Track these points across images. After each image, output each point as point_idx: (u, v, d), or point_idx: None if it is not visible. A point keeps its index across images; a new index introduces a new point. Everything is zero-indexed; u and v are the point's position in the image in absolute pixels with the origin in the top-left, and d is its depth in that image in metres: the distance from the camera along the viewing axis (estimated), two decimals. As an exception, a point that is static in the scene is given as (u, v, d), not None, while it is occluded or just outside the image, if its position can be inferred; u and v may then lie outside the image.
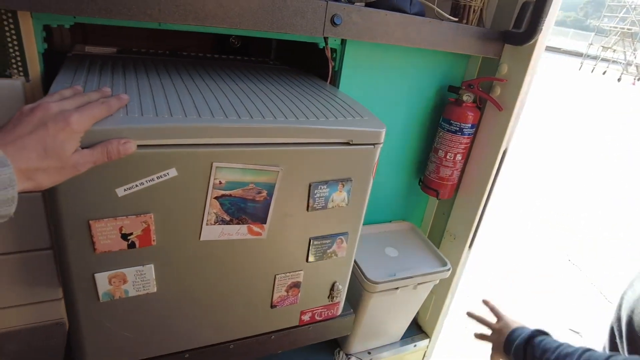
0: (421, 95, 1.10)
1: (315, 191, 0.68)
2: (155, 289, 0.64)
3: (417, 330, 1.42)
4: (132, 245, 0.59)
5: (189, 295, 0.68)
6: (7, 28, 0.66)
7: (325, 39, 0.88)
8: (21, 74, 0.69)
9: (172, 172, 0.56)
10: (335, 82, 0.96)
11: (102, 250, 0.57)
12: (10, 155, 0.43)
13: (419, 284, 1.11)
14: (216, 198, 0.61)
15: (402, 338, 1.34)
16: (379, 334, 1.26)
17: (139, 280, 0.62)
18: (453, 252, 1.24)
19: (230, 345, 0.78)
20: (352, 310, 0.90)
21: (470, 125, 1.06)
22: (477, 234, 1.22)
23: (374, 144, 0.69)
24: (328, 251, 0.76)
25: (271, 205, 0.66)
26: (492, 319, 0.94)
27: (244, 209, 0.64)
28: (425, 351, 1.42)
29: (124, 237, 0.58)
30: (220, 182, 0.60)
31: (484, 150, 1.13)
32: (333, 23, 0.84)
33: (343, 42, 0.92)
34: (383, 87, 1.03)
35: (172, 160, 0.56)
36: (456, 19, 0.98)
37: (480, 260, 1.30)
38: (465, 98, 1.05)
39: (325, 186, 0.68)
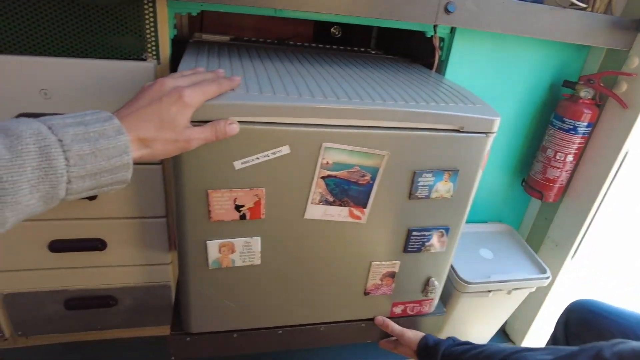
0: (532, 90, 1.02)
1: (419, 179, 0.66)
2: (259, 262, 0.67)
3: (504, 337, 1.33)
4: (243, 217, 0.62)
5: (288, 271, 0.70)
6: (147, 16, 0.73)
7: (435, 27, 0.85)
8: (154, 57, 0.77)
9: (285, 150, 0.58)
10: (440, 71, 0.93)
11: (216, 219, 0.61)
12: (128, 125, 0.46)
13: (514, 289, 1.04)
14: (322, 178, 0.62)
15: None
16: (463, 336, 1.19)
17: (246, 251, 0.65)
18: (553, 259, 1.14)
19: (321, 327, 0.79)
20: (444, 309, 0.86)
21: (586, 124, 0.96)
22: (582, 243, 1.11)
23: (486, 133, 0.65)
24: (426, 244, 0.74)
25: (373, 189, 0.65)
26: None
27: (347, 191, 0.64)
28: None
29: (237, 208, 0.61)
30: (328, 163, 0.61)
31: (601, 152, 1.01)
32: (446, 10, 0.81)
33: (452, 30, 0.89)
34: (491, 78, 0.97)
35: (285, 138, 0.58)
36: (584, 6, 0.89)
37: (584, 271, 1.18)
38: (583, 94, 0.95)
39: (430, 174, 0.66)
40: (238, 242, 0.64)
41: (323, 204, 0.65)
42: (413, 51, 1.03)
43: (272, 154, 0.58)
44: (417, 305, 0.82)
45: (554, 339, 0.93)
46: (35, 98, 0.73)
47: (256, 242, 0.65)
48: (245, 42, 0.95)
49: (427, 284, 0.79)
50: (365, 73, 0.77)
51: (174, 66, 0.79)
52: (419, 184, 0.66)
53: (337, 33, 1.31)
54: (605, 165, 1.00)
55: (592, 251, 1.15)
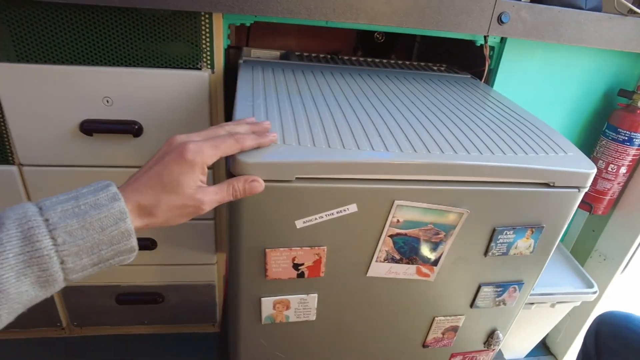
0: (583, 99, 0.96)
1: (499, 237, 0.58)
2: (314, 318, 0.62)
3: (545, 351, 1.27)
4: (301, 275, 0.56)
5: (343, 326, 0.65)
6: (203, 27, 0.73)
7: (485, 36, 0.80)
8: (209, 66, 0.78)
9: (353, 208, 0.52)
10: (489, 80, 0.89)
11: (272, 277, 0.56)
12: (128, 192, 0.41)
13: (557, 302, 0.99)
14: (390, 236, 0.55)
15: (526, 356, 1.21)
16: (503, 347, 1.14)
17: (301, 307, 0.60)
18: (601, 274, 1.09)
19: (373, 377, 0.74)
20: (504, 355, 0.79)
21: None
22: (634, 258, 1.05)
23: (578, 188, 0.57)
24: (497, 299, 0.66)
25: (446, 247, 0.58)
26: None
27: (417, 249, 0.57)
28: None
29: (295, 267, 0.56)
30: (398, 221, 0.54)
31: None
32: (500, 21, 0.78)
33: (503, 39, 0.84)
34: (541, 87, 0.91)
35: (353, 196, 0.51)
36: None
37: (634, 286, 1.11)
38: None
39: (512, 232, 0.58)
40: (294, 299, 0.59)
41: (388, 262, 0.58)
42: (460, 59, 0.99)
43: (338, 212, 0.52)
44: (477, 354, 0.76)
45: (584, 351, 0.87)
46: (98, 105, 0.77)
47: (313, 299, 0.60)
48: (295, 58, 0.87)
49: (490, 336, 0.73)
50: (429, 98, 0.69)
51: (227, 75, 0.80)
52: (498, 242, 0.59)
53: (380, 38, 1.22)
54: None
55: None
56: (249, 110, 0.56)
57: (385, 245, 0.56)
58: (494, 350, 0.75)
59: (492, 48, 0.86)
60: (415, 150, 0.52)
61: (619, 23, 0.82)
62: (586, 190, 0.58)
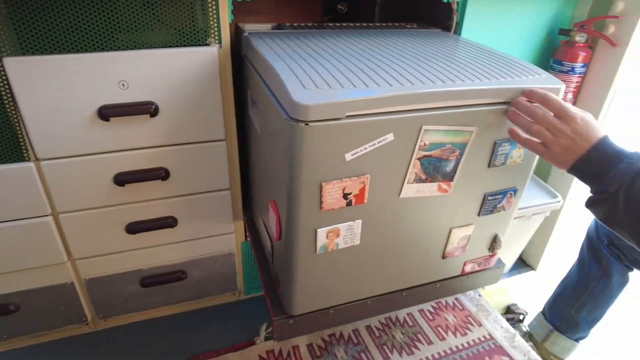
0: (532, 40, 1.13)
1: (499, 149, 0.72)
2: (358, 242, 0.72)
3: (522, 264, 1.51)
4: (349, 204, 0.66)
5: (381, 247, 0.76)
6: (210, 3, 0.78)
7: None
8: (217, 42, 0.82)
9: (390, 137, 0.62)
10: (457, 32, 1.02)
11: (326, 209, 0.65)
12: None
13: (533, 214, 1.18)
14: (419, 159, 0.67)
15: (509, 270, 1.41)
16: None
17: (349, 234, 0.70)
18: (561, 186, 1.29)
19: (403, 292, 0.86)
20: (504, 262, 0.95)
21: (582, 64, 1.10)
22: None
23: (554, 100, 0.71)
24: (498, 205, 0.80)
25: (460, 163, 0.70)
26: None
27: (438, 167, 0.69)
28: (531, 283, 1.48)
29: (345, 196, 0.65)
30: (425, 144, 0.65)
31: (595, 87, 1.15)
32: None
33: None
34: (499, 33, 1.07)
35: (390, 126, 0.61)
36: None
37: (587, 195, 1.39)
38: (578, 39, 1.08)
39: (507, 143, 0.72)
40: (343, 226, 0.69)
41: (417, 182, 0.69)
42: (425, 17, 1.14)
43: (379, 142, 0.62)
44: (484, 260, 0.90)
45: (588, 237, 1.11)
46: (114, 90, 0.80)
47: (358, 225, 0.70)
48: (291, 27, 0.95)
49: (494, 241, 0.87)
50: (418, 47, 0.81)
51: (233, 50, 0.86)
52: (498, 153, 0.72)
53: (343, 9, 1.32)
54: (599, 98, 1.14)
55: None
56: (284, 66, 0.64)
57: (414, 168, 0.67)
58: (496, 254, 0.90)
59: (457, 3, 0.99)
60: (433, 82, 0.63)
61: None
62: (559, 102, 0.72)
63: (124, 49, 0.78)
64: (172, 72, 0.82)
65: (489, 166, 0.74)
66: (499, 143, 0.71)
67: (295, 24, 0.99)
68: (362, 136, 0.61)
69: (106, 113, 0.80)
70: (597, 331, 1.18)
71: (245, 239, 1.11)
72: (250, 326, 1.13)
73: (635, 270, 1.06)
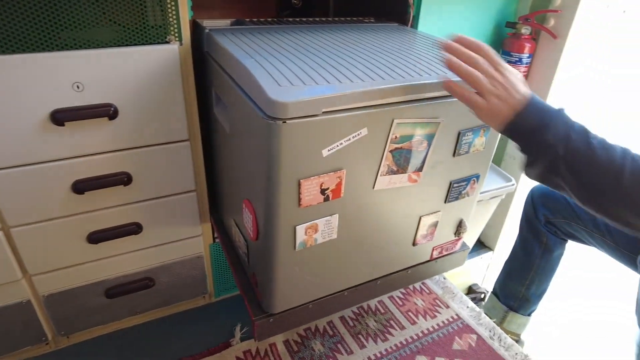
0: (482, 32, 1.20)
1: (463, 138, 0.75)
2: (336, 235, 0.73)
3: (481, 245, 1.60)
4: (326, 199, 0.67)
5: (357, 238, 0.77)
6: (169, 1, 0.75)
7: None
8: (177, 39, 0.80)
9: (364, 132, 0.64)
10: (414, 26, 1.06)
11: (305, 205, 0.65)
12: None
13: (491, 197, 1.27)
14: (390, 151, 0.69)
15: (470, 253, 1.50)
16: None
17: (326, 228, 0.71)
18: (513, 170, 1.39)
19: (378, 281, 0.88)
20: (468, 245, 1.00)
21: (527, 55, 1.19)
22: None
23: (510, 90, 0.76)
24: (462, 192, 0.85)
25: (428, 154, 0.73)
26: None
27: (408, 159, 0.72)
28: (489, 263, 1.58)
29: (322, 192, 0.66)
30: (396, 137, 0.67)
31: (540, 76, 1.24)
32: None
33: None
34: (451, 27, 1.12)
35: (363, 121, 0.63)
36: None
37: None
38: (523, 31, 1.16)
39: (470, 132, 0.76)
40: (321, 222, 0.69)
41: (389, 174, 0.71)
42: (379, 10, 1.16)
43: (354, 137, 0.63)
44: (451, 245, 0.95)
45: (525, 216, 1.21)
46: (68, 92, 0.75)
47: (335, 219, 0.71)
48: (251, 23, 0.94)
49: (459, 225, 0.92)
50: (383, 44, 0.83)
51: (193, 47, 0.83)
52: (462, 142, 0.76)
53: (297, 3, 1.32)
54: (544, 87, 1.23)
55: None
56: (255, 63, 0.63)
57: (386, 160, 0.69)
58: (461, 237, 0.95)
59: (413, -2, 1.03)
60: (402, 77, 0.65)
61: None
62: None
63: (76, 49, 0.73)
64: (131, 72, 0.78)
65: (454, 155, 0.77)
66: (463, 133, 0.75)
67: (255, 19, 0.98)
68: (338, 132, 0.62)
69: (60, 117, 0.75)
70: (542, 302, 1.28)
71: (214, 241, 1.09)
72: (224, 328, 1.11)
73: (569, 241, 1.17)
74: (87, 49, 0.74)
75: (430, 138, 0.71)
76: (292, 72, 0.62)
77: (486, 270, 1.54)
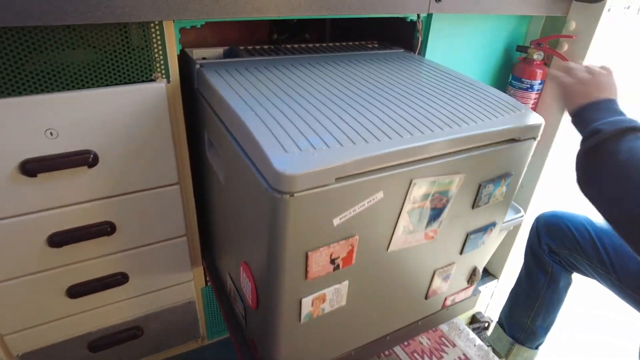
0: (490, 57, 1.13)
1: (484, 190, 0.69)
2: (344, 302, 0.66)
3: (485, 273, 1.53)
4: (336, 268, 0.60)
5: (366, 301, 0.70)
6: (154, 35, 0.67)
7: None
8: (164, 76, 0.72)
9: (379, 195, 0.56)
10: (422, 52, 0.99)
11: (312, 277, 0.58)
12: None
13: (500, 230, 1.18)
14: (407, 212, 0.61)
15: None
16: None
17: (335, 297, 0.64)
18: (521, 200, 1.32)
19: (387, 337, 0.81)
20: (479, 290, 0.94)
21: (539, 81, 1.11)
22: (540, 180, 1.28)
23: (534, 137, 0.69)
24: (479, 242, 0.78)
25: (446, 210, 0.66)
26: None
27: (426, 217, 0.65)
28: (494, 291, 1.52)
29: (332, 261, 0.58)
30: (414, 197, 0.60)
31: (552, 104, 1.16)
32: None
33: (429, 14, 0.94)
34: (460, 50, 1.05)
35: (380, 184, 0.55)
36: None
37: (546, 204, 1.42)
38: (536, 56, 1.08)
39: (491, 184, 0.69)
40: (329, 291, 0.62)
41: (404, 234, 0.64)
42: (381, 32, 1.10)
43: (368, 202, 0.56)
44: (463, 292, 0.88)
45: (529, 244, 1.17)
46: (40, 139, 0.66)
47: (344, 286, 0.63)
48: (245, 52, 0.85)
49: (473, 274, 0.85)
50: (393, 79, 0.75)
51: (183, 83, 0.75)
52: (482, 194, 0.69)
53: (293, 20, 1.24)
54: (557, 114, 1.15)
55: (550, 186, 1.33)
56: (256, 119, 0.55)
57: (402, 221, 0.62)
58: (474, 284, 0.89)
59: (421, 22, 0.95)
60: (422, 132, 0.57)
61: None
62: (539, 139, 0.70)
63: (47, 92, 0.64)
64: (112, 114, 0.69)
65: (473, 207, 0.70)
66: (484, 185, 0.68)
67: (249, 47, 0.89)
68: (351, 198, 0.54)
69: (31, 168, 0.66)
70: (552, 333, 1.23)
71: (206, 285, 1.01)
72: (218, 374, 1.04)
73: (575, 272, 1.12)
74: (60, 91, 0.65)
75: (449, 194, 0.64)
76: (297, 129, 0.54)
77: (490, 299, 1.48)
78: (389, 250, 0.64)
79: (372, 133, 0.55)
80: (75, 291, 0.81)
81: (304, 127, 0.55)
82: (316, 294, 0.61)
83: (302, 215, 0.51)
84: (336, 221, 0.55)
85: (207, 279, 0.99)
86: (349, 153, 0.51)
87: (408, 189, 0.58)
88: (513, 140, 0.67)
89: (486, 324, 1.39)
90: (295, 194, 0.48)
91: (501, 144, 0.65)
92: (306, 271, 0.57)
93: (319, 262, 0.57)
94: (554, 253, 1.10)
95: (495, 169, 0.68)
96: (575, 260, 1.06)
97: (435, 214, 0.65)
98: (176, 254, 0.90)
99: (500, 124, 0.64)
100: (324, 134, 0.54)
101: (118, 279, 0.85)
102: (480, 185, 0.68)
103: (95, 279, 0.83)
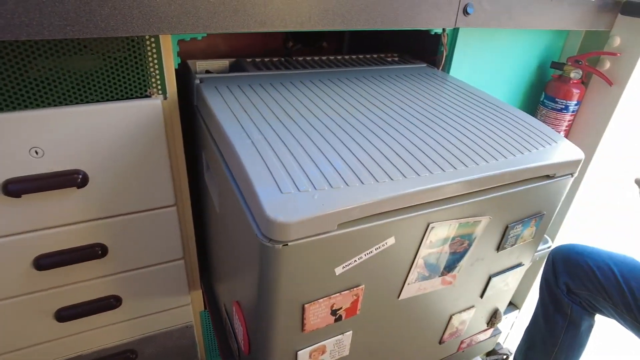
0: (521, 74, 1.03)
1: (511, 232, 0.60)
2: (347, 353, 0.59)
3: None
4: (338, 319, 0.52)
5: (372, 351, 0.63)
6: (149, 48, 0.62)
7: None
8: (160, 92, 0.66)
9: (390, 241, 0.49)
10: (445, 67, 0.91)
11: (310, 330, 0.51)
12: None
13: None
14: (422, 257, 0.54)
15: None
16: None
17: (337, 348, 0.57)
18: (550, 231, 1.20)
19: (395, 383, 0.74)
20: (500, 330, 0.85)
21: (575, 102, 1.00)
22: (571, 208, 1.18)
23: (572, 174, 0.61)
24: (502, 285, 0.70)
25: (467, 253, 0.58)
26: None
27: (444, 262, 0.57)
28: (514, 321, 1.42)
29: (333, 312, 0.51)
30: (431, 241, 0.52)
31: (588, 126, 1.05)
32: (465, 12, 0.79)
33: (456, 28, 0.85)
34: (488, 67, 0.96)
35: (391, 229, 0.48)
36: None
37: (573, 234, 1.31)
38: (573, 75, 0.97)
39: (520, 225, 0.61)
40: (330, 342, 0.55)
41: (418, 281, 0.57)
42: (402, 45, 1.03)
43: (377, 249, 0.48)
44: (481, 334, 0.80)
45: (545, 278, 1.05)
46: (24, 158, 0.61)
47: (347, 337, 0.56)
48: (251, 65, 0.79)
49: (494, 316, 0.77)
50: (408, 99, 0.67)
51: (182, 99, 0.69)
52: (509, 236, 0.61)
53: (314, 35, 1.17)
54: (592, 140, 1.05)
55: (580, 215, 1.22)
56: (252, 150, 0.49)
57: (417, 267, 0.54)
58: (495, 326, 0.80)
59: (447, 36, 0.87)
60: (442, 170, 0.50)
61: (558, 5, 0.87)
62: (576, 175, 0.61)
63: (32, 108, 0.59)
64: (103, 132, 0.64)
65: (497, 250, 0.62)
66: (511, 226, 0.60)
67: (258, 60, 0.82)
68: (357, 246, 0.47)
69: (14, 189, 0.61)
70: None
71: (205, 308, 0.95)
72: (215, 401, 0.98)
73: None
74: (45, 107, 0.59)
75: (472, 237, 0.56)
76: (298, 164, 0.47)
77: (510, 329, 1.39)
78: (401, 297, 0.57)
79: (383, 169, 0.48)
80: (65, 314, 0.76)
81: (305, 160, 0.48)
82: (315, 346, 0.54)
83: (298, 265, 0.44)
84: (338, 270, 0.47)
85: (206, 302, 0.94)
86: (355, 195, 0.44)
87: (424, 234, 0.51)
88: (547, 177, 0.58)
89: (504, 357, 1.29)
90: (289, 243, 0.41)
91: (533, 180, 0.57)
92: (303, 324, 0.50)
93: (317, 314, 0.50)
94: (574, 294, 0.99)
95: (525, 209, 0.59)
96: (598, 304, 0.95)
97: (455, 258, 0.58)
98: (173, 277, 0.85)
99: (533, 160, 0.55)
100: (328, 169, 0.47)
101: (110, 302, 0.80)
102: (507, 227, 0.59)
103: (85, 302, 0.78)
